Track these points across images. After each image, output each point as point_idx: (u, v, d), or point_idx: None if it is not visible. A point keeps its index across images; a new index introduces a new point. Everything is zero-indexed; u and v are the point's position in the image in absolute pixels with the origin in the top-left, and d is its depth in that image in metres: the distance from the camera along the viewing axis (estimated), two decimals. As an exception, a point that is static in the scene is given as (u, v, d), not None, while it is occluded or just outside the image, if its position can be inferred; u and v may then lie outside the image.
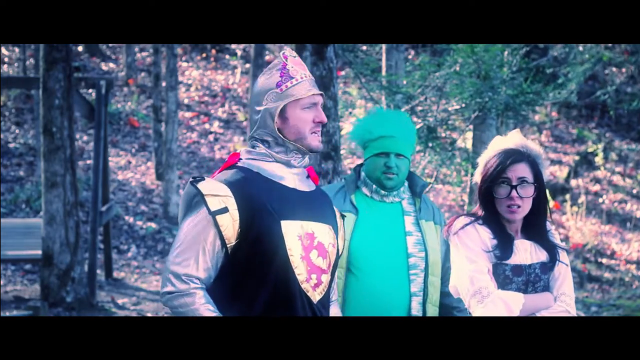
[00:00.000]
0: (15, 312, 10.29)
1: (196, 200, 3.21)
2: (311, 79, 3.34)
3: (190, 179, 3.25)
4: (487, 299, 3.39)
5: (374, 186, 4.13)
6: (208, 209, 3.16)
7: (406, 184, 4.21)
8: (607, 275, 13.95)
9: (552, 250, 3.56)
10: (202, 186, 3.20)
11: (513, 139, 3.59)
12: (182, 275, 3.16)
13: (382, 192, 4.12)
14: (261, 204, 3.20)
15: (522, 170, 3.47)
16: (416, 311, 4.03)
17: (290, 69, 3.30)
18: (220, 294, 3.19)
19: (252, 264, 3.19)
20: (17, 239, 11.47)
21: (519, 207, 3.47)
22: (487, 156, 3.57)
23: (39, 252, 10.37)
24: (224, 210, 3.17)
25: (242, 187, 3.21)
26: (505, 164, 3.47)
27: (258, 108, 3.31)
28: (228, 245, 3.18)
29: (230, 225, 3.17)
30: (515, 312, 3.39)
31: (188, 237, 3.19)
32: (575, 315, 3.55)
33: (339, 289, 3.99)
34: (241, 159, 3.32)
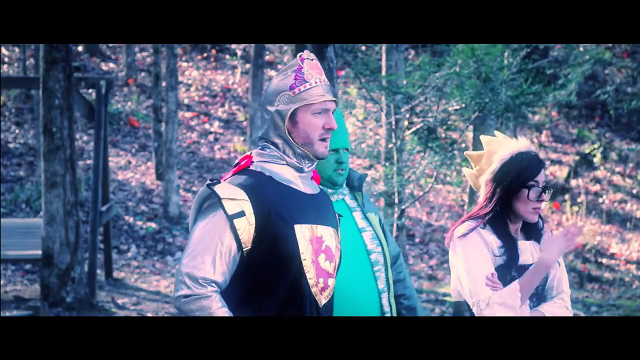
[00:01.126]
0: (15, 312, 10.29)
1: (210, 203, 3.18)
2: (326, 84, 3.28)
3: (207, 182, 3.22)
4: (484, 311, 3.44)
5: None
6: (225, 212, 3.14)
7: None
8: (607, 275, 13.95)
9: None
10: (219, 189, 3.18)
11: (523, 142, 3.61)
12: (200, 279, 3.12)
13: (329, 190, 3.96)
14: (275, 208, 3.18)
15: (544, 174, 3.56)
16: (387, 308, 3.93)
17: (305, 72, 3.25)
18: (232, 297, 3.17)
19: (267, 269, 3.17)
20: (17, 239, 11.46)
21: (539, 209, 3.55)
22: (501, 157, 3.56)
23: (39, 252, 10.36)
24: (241, 214, 3.15)
25: (257, 191, 3.18)
26: (539, 167, 3.54)
27: (270, 108, 3.26)
28: (244, 249, 3.16)
29: (247, 229, 3.15)
30: (517, 306, 3.42)
31: (203, 240, 3.15)
32: (572, 312, 3.61)
33: None
34: (253, 162, 3.29)
